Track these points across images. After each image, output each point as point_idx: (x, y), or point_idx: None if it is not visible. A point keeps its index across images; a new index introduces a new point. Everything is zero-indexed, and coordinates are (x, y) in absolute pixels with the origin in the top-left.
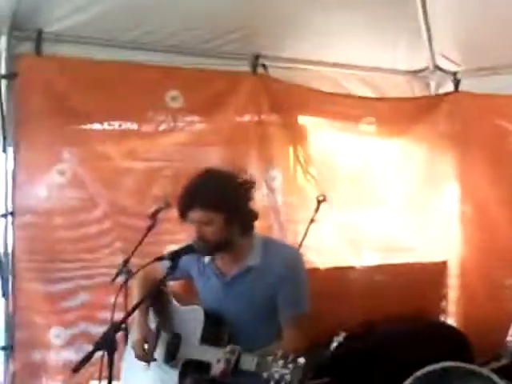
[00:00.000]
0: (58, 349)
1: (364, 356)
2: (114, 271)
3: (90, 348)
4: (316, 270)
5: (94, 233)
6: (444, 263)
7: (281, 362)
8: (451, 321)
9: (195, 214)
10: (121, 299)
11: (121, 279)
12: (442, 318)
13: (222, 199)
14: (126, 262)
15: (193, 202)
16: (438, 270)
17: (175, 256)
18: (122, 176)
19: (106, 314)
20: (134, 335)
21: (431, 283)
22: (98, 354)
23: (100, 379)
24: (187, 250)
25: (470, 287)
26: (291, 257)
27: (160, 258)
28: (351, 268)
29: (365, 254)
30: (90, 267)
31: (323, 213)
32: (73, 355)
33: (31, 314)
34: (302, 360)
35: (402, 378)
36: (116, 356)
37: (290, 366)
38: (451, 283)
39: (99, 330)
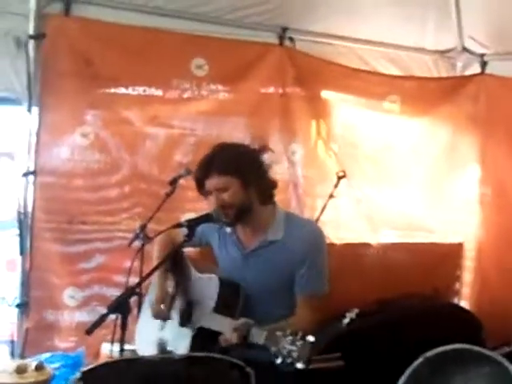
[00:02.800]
0: (72, 309)
1: (375, 333)
2: (132, 236)
3: (104, 310)
4: (332, 245)
5: (113, 196)
6: (460, 245)
7: (289, 339)
8: (464, 303)
9: (211, 181)
10: (136, 264)
11: (137, 244)
12: (456, 300)
13: (236, 163)
14: (144, 227)
15: (208, 169)
16: (454, 252)
17: (192, 224)
18: (144, 141)
19: (121, 278)
20: (153, 295)
21: (446, 264)
22: (111, 317)
23: (112, 342)
24: (205, 218)
25: (485, 270)
26: (314, 235)
27: (178, 225)
28: (367, 245)
29: (382, 232)
30: (108, 230)
31: (342, 189)
32: (86, 317)
33: (47, 273)
34: (311, 338)
35: (413, 357)
36: (129, 320)
37: (299, 343)
38: (466, 265)
39: (114, 293)
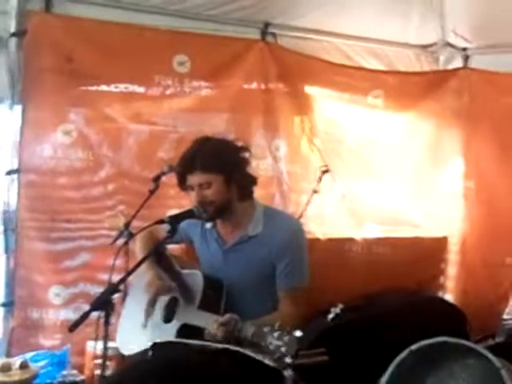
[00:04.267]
0: (57, 308)
1: (360, 328)
2: (116, 233)
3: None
4: (316, 240)
5: (97, 194)
6: (444, 239)
7: (276, 334)
8: (449, 297)
9: (194, 178)
10: (120, 261)
11: (122, 241)
12: (440, 294)
13: (220, 161)
14: (128, 224)
15: (192, 165)
16: (438, 246)
17: (175, 220)
18: (126, 138)
19: (106, 275)
20: (146, 277)
21: (431, 258)
22: (95, 314)
23: (96, 339)
24: (187, 214)
25: (469, 264)
26: (293, 228)
27: (160, 222)
28: (351, 240)
29: (366, 227)
30: (92, 228)
31: (326, 184)
32: (71, 314)
33: (32, 272)
34: (298, 333)
35: (397, 350)
36: (113, 317)
37: (286, 338)
38: (451, 259)
39: (99, 291)
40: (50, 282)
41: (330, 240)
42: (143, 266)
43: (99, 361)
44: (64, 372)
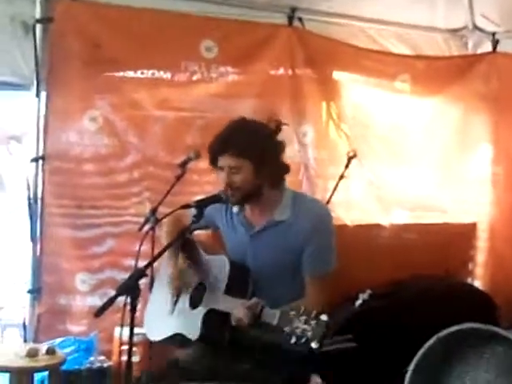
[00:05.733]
0: (84, 294)
1: (388, 314)
2: (142, 220)
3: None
4: (344, 226)
5: (123, 181)
6: (473, 225)
7: (303, 318)
8: (478, 283)
9: (226, 160)
10: (146, 247)
11: (148, 228)
12: (469, 280)
13: (253, 147)
14: (154, 210)
15: (225, 147)
16: (467, 232)
17: (201, 204)
18: (153, 125)
19: (132, 262)
20: (170, 269)
21: (459, 244)
22: (122, 300)
23: (122, 325)
24: (214, 199)
25: (498, 250)
26: (321, 214)
27: (186, 206)
28: (379, 226)
29: (394, 213)
30: (118, 215)
31: (354, 169)
32: (98, 301)
33: (58, 258)
34: (324, 317)
35: (425, 337)
36: (140, 303)
37: (312, 322)
38: (480, 246)
39: (125, 277)
40: (77, 269)
41: (358, 226)
42: (168, 254)
43: (126, 347)
44: (91, 358)
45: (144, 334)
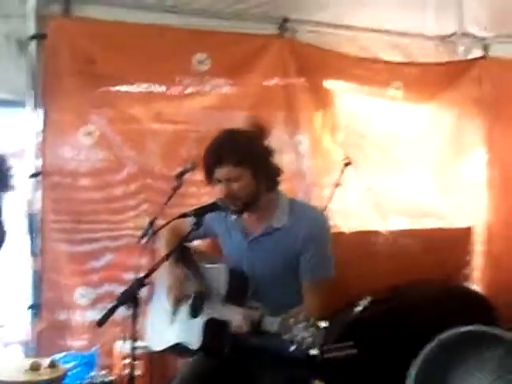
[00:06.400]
0: (84, 309)
1: (388, 320)
2: (140, 233)
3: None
4: (341, 234)
5: (120, 194)
6: (469, 229)
7: (302, 325)
8: (476, 287)
9: (223, 171)
10: (145, 259)
11: (146, 240)
12: (467, 284)
13: (248, 154)
14: (152, 222)
15: (220, 158)
16: (463, 236)
17: (199, 213)
18: (148, 138)
19: (131, 275)
20: (168, 280)
21: (456, 249)
22: (123, 313)
23: (124, 338)
24: (212, 207)
25: (495, 253)
26: (317, 219)
27: (185, 215)
28: (376, 232)
29: (391, 219)
30: (116, 229)
31: (349, 177)
32: (98, 315)
33: (57, 274)
34: (323, 324)
35: (426, 341)
36: (140, 316)
37: (312, 329)
38: (477, 249)
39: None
40: (76, 284)
41: (355, 233)
42: (166, 265)
43: (128, 361)
44: (93, 373)
45: (145, 347)
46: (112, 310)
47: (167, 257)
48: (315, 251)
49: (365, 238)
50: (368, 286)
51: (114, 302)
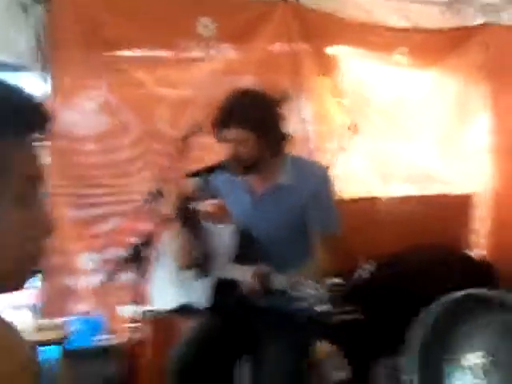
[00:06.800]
0: (89, 273)
1: (390, 284)
2: (145, 197)
3: (116, 276)
4: (343, 200)
5: (125, 158)
6: (473, 195)
7: (310, 282)
8: (480, 252)
9: (231, 132)
10: (150, 225)
11: (152, 204)
12: (470, 250)
13: (257, 118)
14: (157, 186)
15: (230, 119)
16: (467, 202)
17: (205, 172)
18: (153, 103)
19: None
20: (175, 243)
21: (459, 215)
22: (128, 277)
23: (135, 302)
24: (217, 167)
25: (501, 218)
26: (321, 174)
27: (191, 174)
28: (378, 199)
29: (394, 185)
30: (121, 193)
31: (353, 142)
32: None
33: (62, 238)
34: (331, 281)
35: (428, 304)
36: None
37: (319, 286)
38: (482, 215)
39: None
40: (81, 248)
41: (358, 199)
42: (172, 228)
43: (132, 325)
44: (97, 336)
45: (150, 312)
46: (119, 265)
47: (174, 216)
48: (322, 206)
49: (367, 204)
50: (371, 251)
51: (121, 274)
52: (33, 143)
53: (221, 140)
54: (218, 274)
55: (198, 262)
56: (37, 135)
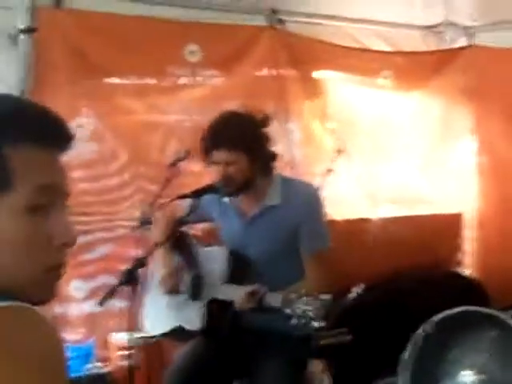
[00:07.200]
0: (79, 301)
1: (381, 306)
2: (134, 223)
3: (111, 301)
4: (333, 221)
5: (113, 185)
6: (459, 215)
7: (304, 299)
8: (468, 272)
9: (220, 154)
10: (140, 251)
11: (141, 231)
12: (459, 269)
13: (246, 139)
14: (146, 212)
15: (218, 141)
16: (454, 222)
17: (197, 194)
18: (141, 129)
19: (127, 266)
20: (161, 270)
21: (446, 234)
22: (117, 306)
23: (130, 329)
24: (209, 189)
25: (487, 239)
26: (310, 193)
27: (182, 196)
28: (368, 220)
29: (382, 206)
30: (110, 220)
31: (341, 165)
32: (94, 308)
33: None
34: (325, 297)
35: (419, 325)
36: (134, 307)
37: (314, 302)
38: (468, 235)
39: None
40: (71, 276)
41: (347, 221)
42: (161, 252)
43: (124, 352)
44: (89, 365)
45: (142, 338)
46: (113, 290)
47: (166, 239)
48: (312, 223)
49: (356, 225)
50: (360, 273)
51: (113, 302)
52: (51, 155)
53: (210, 162)
54: (211, 295)
55: (187, 286)
56: (56, 148)
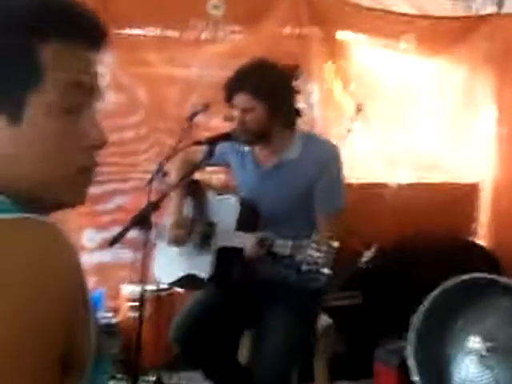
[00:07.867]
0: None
1: (393, 271)
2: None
3: (123, 251)
4: (349, 185)
5: (131, 137)
6: (476, 184)
7: (314, 246)
8: (482, 241)
9: (240, 99)
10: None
11: (156, 183)
12: (473, 238)
13: (269, 88)
14: (161, 165)
15: (240, 85)
16: (470, 191)
17: (212, 141)
18: (161, 82)
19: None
20: (169, 220)
21: (462, 204)
22: (129, 257)
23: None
24: (224, 136)
25: (503, 209)
26: (330, 151)
27: (198, 143)
28: (384, 185)
29: (400, 172)
30: (127, 171)
31: (360, 128)
32: (106, 257)
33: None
34: (336, 244)
35: (430, 291)
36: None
37: (324, 248)
38: (484, 205)
39: (133, 234)
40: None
41: (363, 185)
42: (174, 200)
43: (134, 303)
44: (98, 314)
45: (152, 290)
46: (125, 230)
47: (180, 181)
48: (328, 183)
49: (372, 190)
50: (374, 237)
51: (125, 252)
52: (83, 52)
53: (230, 105)
54: (221, 242)
55: (202, 230)
56: (88, 44)
